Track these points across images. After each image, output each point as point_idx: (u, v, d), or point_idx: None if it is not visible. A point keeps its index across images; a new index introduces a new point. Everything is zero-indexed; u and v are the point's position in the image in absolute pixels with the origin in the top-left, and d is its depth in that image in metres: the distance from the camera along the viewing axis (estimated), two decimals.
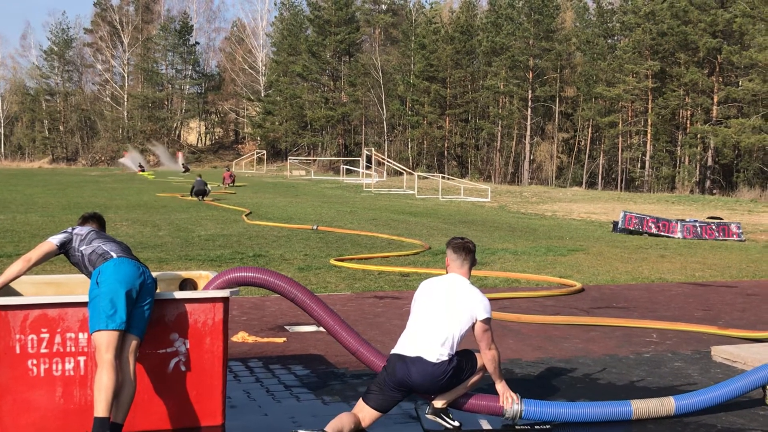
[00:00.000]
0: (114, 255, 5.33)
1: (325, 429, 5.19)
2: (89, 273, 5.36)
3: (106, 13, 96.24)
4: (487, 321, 5.43)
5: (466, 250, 5.66)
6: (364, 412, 5.44)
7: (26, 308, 5.19)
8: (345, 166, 63.26)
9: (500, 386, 5.60)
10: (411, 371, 5.32)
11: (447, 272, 5.71)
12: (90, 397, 5.27)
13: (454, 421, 5.58)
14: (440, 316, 5.43)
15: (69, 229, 5.60)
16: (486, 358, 5.46)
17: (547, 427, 5.77)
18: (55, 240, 5.46)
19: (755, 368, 6.24)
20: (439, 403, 5.54)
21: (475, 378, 5.57)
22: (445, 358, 5.34)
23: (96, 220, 5.97)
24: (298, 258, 15.18)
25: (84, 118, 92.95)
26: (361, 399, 5.51)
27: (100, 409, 4.96)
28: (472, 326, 5.42)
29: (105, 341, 5.02)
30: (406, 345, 5.45)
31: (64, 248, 5.48)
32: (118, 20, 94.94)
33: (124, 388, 5.07)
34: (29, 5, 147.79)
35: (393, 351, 5.51)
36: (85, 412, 5.28)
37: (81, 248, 5.44)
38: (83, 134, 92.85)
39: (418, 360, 5.33)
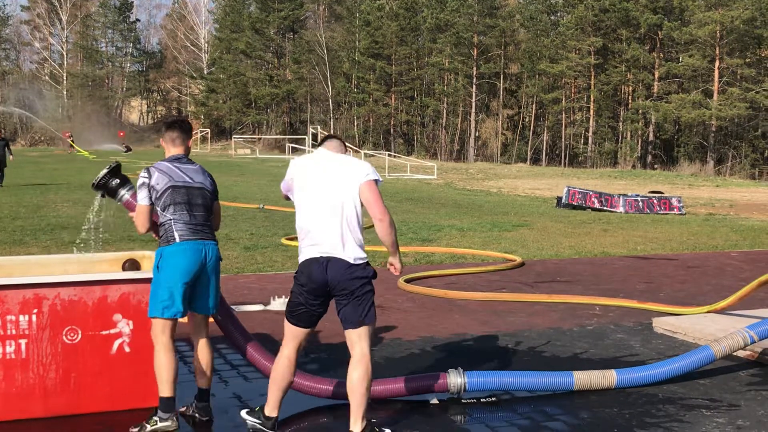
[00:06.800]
0: (177, 238, 5.06)
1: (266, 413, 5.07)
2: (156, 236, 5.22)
3: None
4: None
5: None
6: (301, 337, 5.12)
7: None
8: (291, 145, 62.98)
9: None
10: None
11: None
12: (32, 380, 5.22)
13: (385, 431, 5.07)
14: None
15: (146, 179, 5.13)
16: None
17: (493, 399, 5.83)
18: (144, 201, 5.10)
19: (697, 349, 6.36)
20: (357, 426, 4.87)
21: None
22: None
23: (179, 128, 5.42)
24: (244, 237, 15.08)
25: (22, 97, 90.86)
26: (290, 330, 5.09)
27: (164, 390, 5.03)
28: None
29: (161, 326, 5.05)
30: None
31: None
32: None
33: (205, 355, 5.28)
34: None
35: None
36: (28, 396, 5.21)
37: (156, 208, 5.12)
38: (24, 113, 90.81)
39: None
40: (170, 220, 5.10)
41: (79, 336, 5.32)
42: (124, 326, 5.42)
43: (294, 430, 5.33)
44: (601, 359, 7.02)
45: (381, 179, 5.07)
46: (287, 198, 5.22)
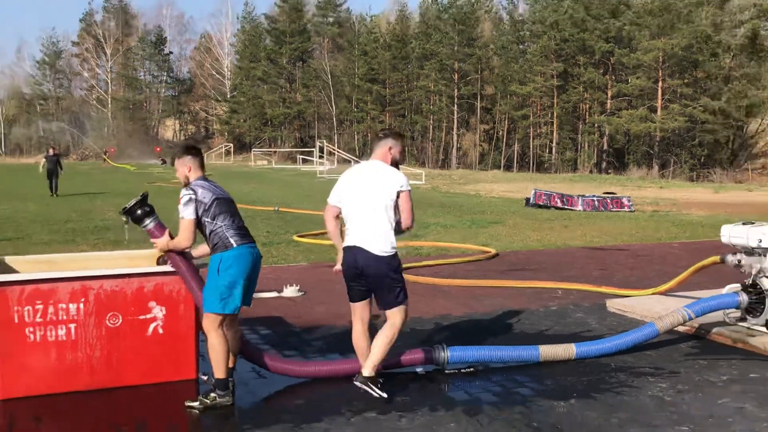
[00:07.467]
0: (233, 244, 4.98)
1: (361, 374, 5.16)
2: (209, 244, 5.07)
3: (90, 27, 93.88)
4: None
5: None
6: (364, 312, 5.25)
7: (21, 284, 5.07)
8: (301, 156, 62.87)
9: None
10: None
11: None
12: (81, 359, 5.21)
13: (383, 394, 5.11)
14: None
15: (191, 195, 4.97)
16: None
17: (471, 369, 5.82)
18: (192, 215, 4.95)
19: (644, 325, 6.36)
20: (367, 371, 5.15)
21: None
22: None
23: (197, 153, 5.26)
24: (261, 235, 15.02)
25: (74, 118, 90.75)
26: (352, 306, 5.26)
27: (221, 372, 4.96)
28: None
29: (218, 320, 4.95)
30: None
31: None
32: (101, 34, 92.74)
33: (236, 343, 5.20)
34: (23, 22, 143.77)
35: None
36: (76, 372, 5.20)
37: (204, 219, 4.98)
38: (73, 133, 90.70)
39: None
40: (221, 226, 4.99)
41: (120, 320, 5.31)
42: (158, 312, 5.40)
43: (292, 407, 5.31)
44: (563, 335, 7.01)
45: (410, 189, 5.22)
46: (336, 216, 5.28)
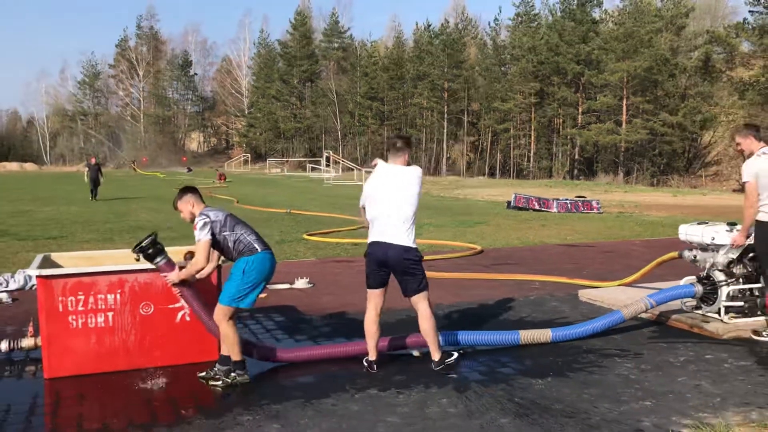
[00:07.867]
0: (258, 248, 4.96)
1: (369, 359, 5.27)
2: (232, 257, 5.00)
3: (125, 52, 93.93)
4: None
5: None
6: (379, 299, 5.26)
7: (65, 277, 5.08)
8: (310, 165, 62.81)
9: None
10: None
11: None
12: (117, 343, 5.21)
13: (453, 354, 5.41)
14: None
15: (206, 218, 4.94)
16: None
17: (461, 351, 5.81)
18: (208, 236, 4.90)
19: (611, 312, 6.35)
20: (436, 356, 5.30)
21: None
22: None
23: (196, 191, 5.19)
24: (275, 234, 15.03)
25: (110, 132, 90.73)
26: (368, 293, 5.26)
27: (237, 355, 4.96)
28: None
29: (231, 312, 4.94)
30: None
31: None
32: (134, 57, 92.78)
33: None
34: (66, 47, 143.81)
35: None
36: (114, 355, 5.20)
37: (224, 233, 4.96)
38: (110, 144, 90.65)
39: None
40: (242, 234, 5.00)
41: (152, 309, 5.31)
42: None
43: (314, 379, 5.30)
44: (540, 321, 7.01)
45: None
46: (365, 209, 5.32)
